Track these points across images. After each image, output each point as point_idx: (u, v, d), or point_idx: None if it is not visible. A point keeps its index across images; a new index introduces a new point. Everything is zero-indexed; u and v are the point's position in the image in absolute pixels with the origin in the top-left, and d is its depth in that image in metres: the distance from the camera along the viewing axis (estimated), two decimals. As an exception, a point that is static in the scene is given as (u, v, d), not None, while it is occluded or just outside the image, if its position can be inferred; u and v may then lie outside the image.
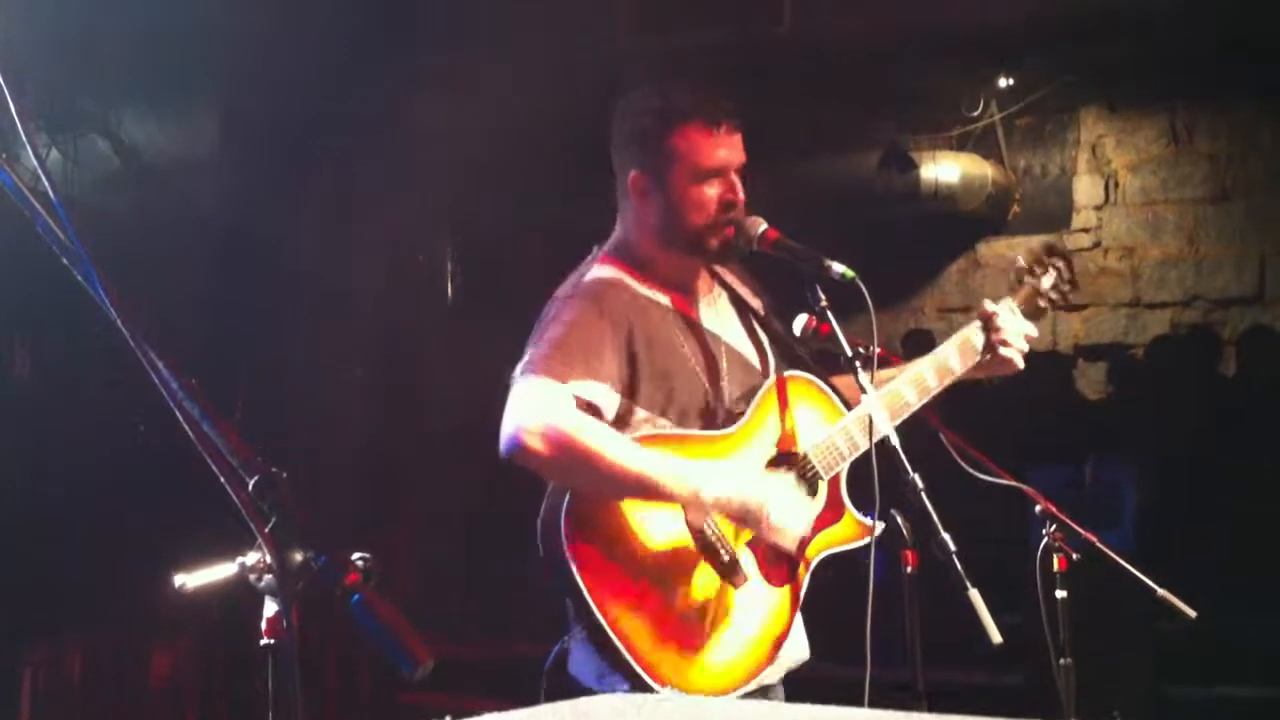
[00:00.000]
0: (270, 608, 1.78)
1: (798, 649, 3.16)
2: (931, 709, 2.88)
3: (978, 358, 3.27)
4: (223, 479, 1.77)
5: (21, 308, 6.44)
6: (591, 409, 2.89)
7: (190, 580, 1.83)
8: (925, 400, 3.18)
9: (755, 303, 3.32)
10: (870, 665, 2.83)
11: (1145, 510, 6.65)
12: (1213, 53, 8.32)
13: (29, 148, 1.96)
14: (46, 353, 7.00)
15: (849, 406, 3.12)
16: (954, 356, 3.25)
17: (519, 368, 2.93)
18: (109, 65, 6.73)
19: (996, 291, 9.87)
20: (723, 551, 2.93)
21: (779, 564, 3.01)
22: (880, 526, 3.03)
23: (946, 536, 2.69)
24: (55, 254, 1.90)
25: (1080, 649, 3.66)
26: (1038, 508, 3.64)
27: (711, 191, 3.03)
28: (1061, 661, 3.68)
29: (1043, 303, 3.48)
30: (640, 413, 2.97)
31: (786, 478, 3.02)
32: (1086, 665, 3.70)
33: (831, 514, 3.08)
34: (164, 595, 1.92)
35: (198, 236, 7.18)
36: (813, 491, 3.05)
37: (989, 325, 3.30)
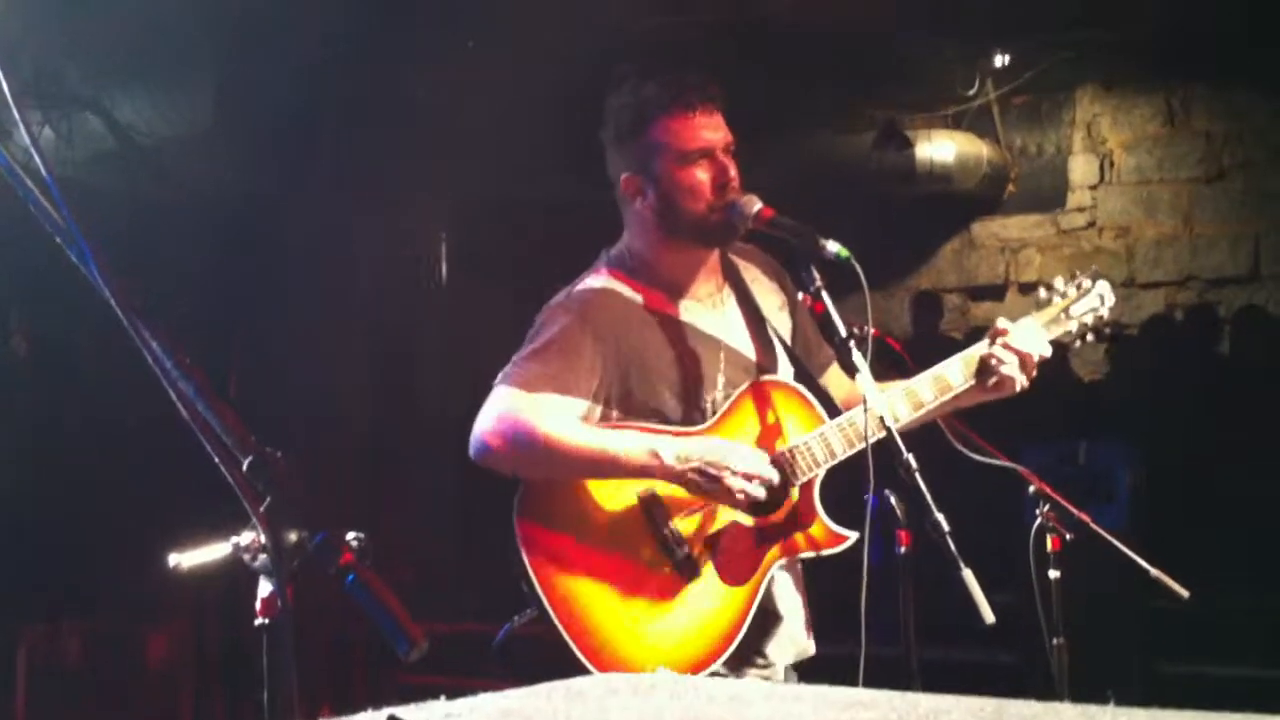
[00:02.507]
0: (265, 587, 1.77)
1: (802, 643, 3.14)
2: (925, 688, 2.89)
3: (973, 379, 3.10)
4: (217, 458, 1.76)
5: (17, 288, 6.44)
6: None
7: (185, 560, 1.83)
8: (919, 414, 3.09)
9: (778, 298, 3.27)
10: (865, 644, 2.82)
11: (1139, 490, 6.65)
12: (1210, 31, 8.31)
13: (21, 125, 1.95)
14: (43, 333, 6.99)
15: (833, 418, 3.09)
16: (956, 373, 3.11)
17: (499, 376, 3.00)
18: (103, 43, 6.70)
19: (992, 270, 10.00)
20: (675, 545, 2.93)
21: (739, 563, 2.98)
22: (854, 537, 3.02)
23: (940, 516, 2.69)
24: (49, 233, 1.89)
25: (1073, 628, 3.68)
26: (1031, 488, 3.66)
27: (702, 175, 3.01)
28: (1054, 640, 3.70)
29: (1072, 327, 3.24)
30: (623, 423, 2.98)
31: (749, 446, 2.98)
32: (1079, 644, 3.71)
33: (801, 520, 3.04)
34: (159, 576, 1.92)
35: (192, 215, 7.17)
36: (784, 495, 3.01)
37: (994, 340, 3.11)
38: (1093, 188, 9.67)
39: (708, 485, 2.88)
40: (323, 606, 6.33)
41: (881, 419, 2.81)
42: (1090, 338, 3.30)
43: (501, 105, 7.42)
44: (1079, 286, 3.30)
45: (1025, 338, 3.12)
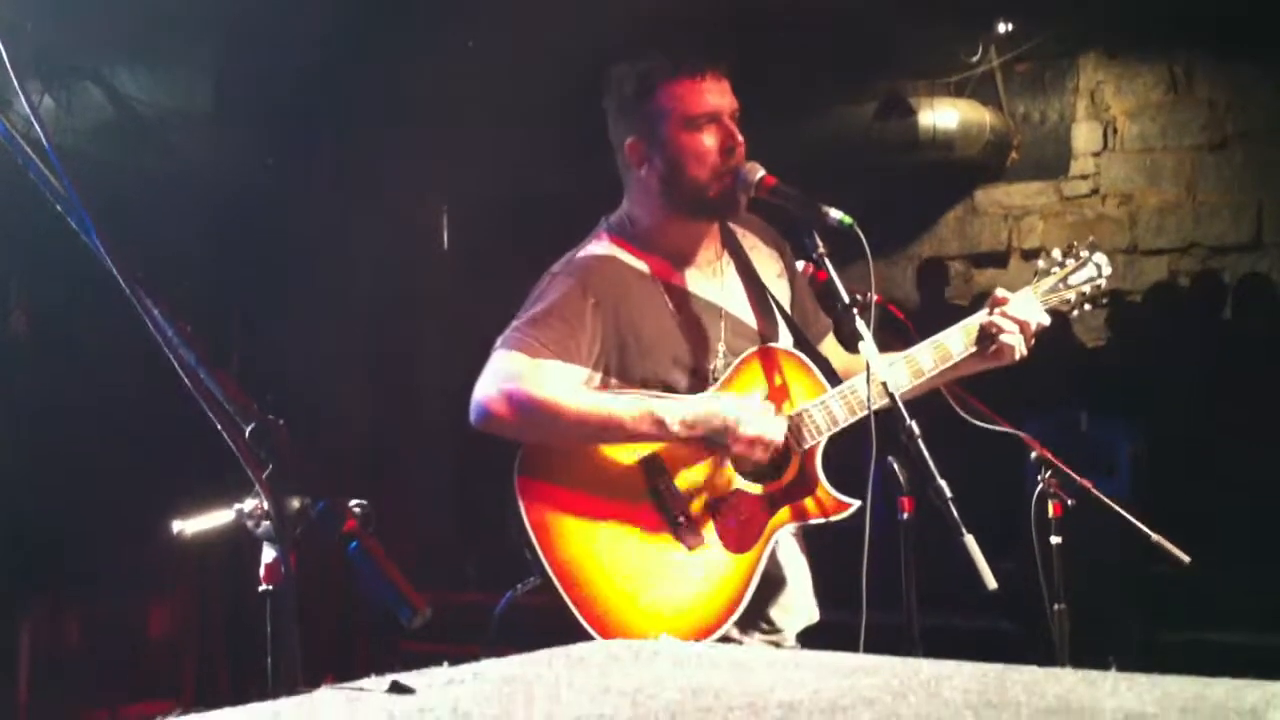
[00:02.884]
0: (268, 554, 1.78)
1: (808, 610, 3.15)
2: (927, 654, 2.90)
3: (974, 346, 3.10)
4: (220, 426, 1.77)
5: (17, 261, 6.43)
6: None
7: (188, 527, 1.84)
8: (919, 382, 3.07)
9: (776, 265, 3.27)
10: (866, 610, 2.83)
11: (1140, 458, 6.66)
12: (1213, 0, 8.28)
13: (21, 95, 1.95)
14: (42, 309, 6.98)
15: (832, 386, 3.09)
16: (956, 341, 3.11)
17: (498, 340, 2.98)
18: (104, 14, 6.67)
19: (994, 238, 9.98)
20: (677, 512, 2.93)
21: (742, 530, 2.98)
22: (856, 504, 3.02)
23: (942, 483, 2.69)
24: (50, 203, 1.89)
25: (1075, 594, 3.69)
26: (1033, 454, 3.66)
27: (709, 140, 2.99)
28: (1056, 607, 3.71)
29: (1070, 296, 3.25)
30: (622, 391, 2.98)
31: (752, 397, 2.98)
32: (1081, 610, 3.72)
33: (803, 488, 3.04)
34: (162, 546, 1.93)
35: (193, 187, 7.16)
36: (786, 461, 3.02)
37: (993, 310, 3.12)
38: (1096, 155, 9.65)
39: (713, 446, 2.91)
40: (326, 573, 6.35)
41: (885, 385, 2.81)
42: (1088, 307, 3.31)
43: (503, 99, 7.39)
44: (1077, 257, 3.31)
45: (1024, 307, 3.13)
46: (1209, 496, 6.49)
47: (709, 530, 2.95)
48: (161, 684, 7.18)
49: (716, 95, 3.02)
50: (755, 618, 3.03)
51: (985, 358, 3.12)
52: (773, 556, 3.02)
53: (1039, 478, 3.65)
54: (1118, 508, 3.58)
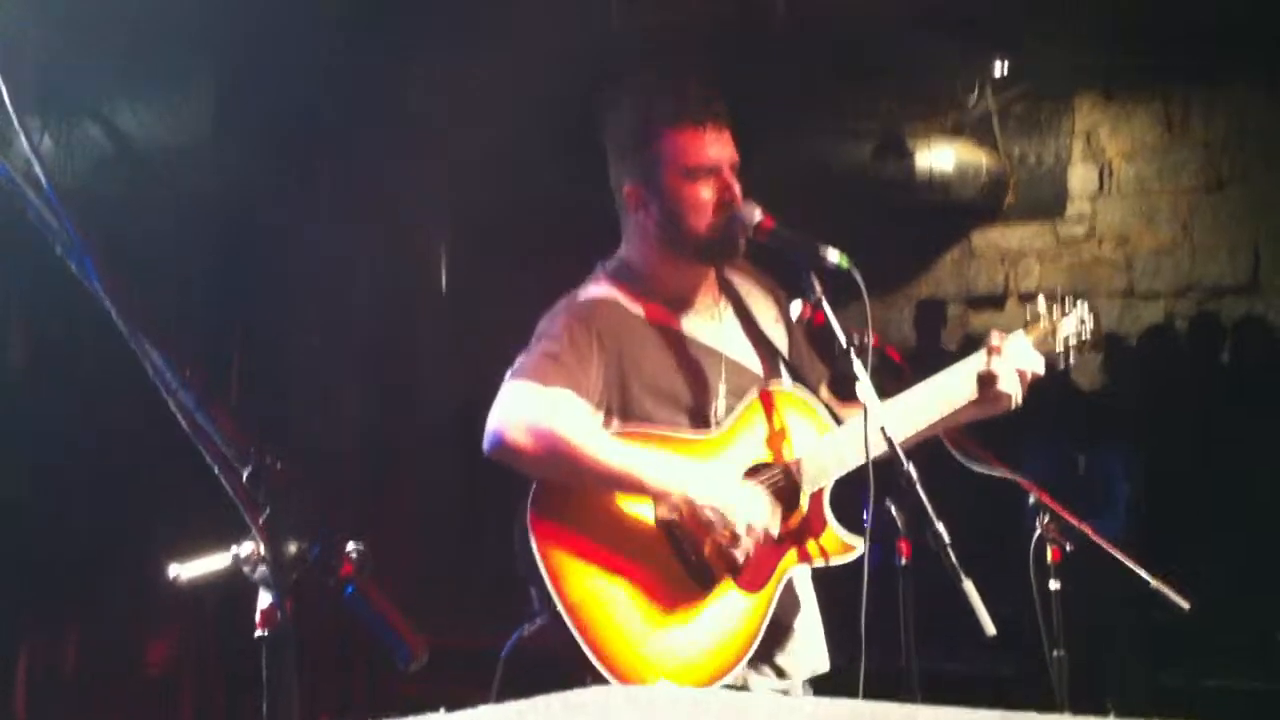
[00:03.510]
0: (265, 599, 1.77)
1: (817, 659, 3.12)
2: (925, 699, 2.88)
3: (973, 394, 3.11)
4: (217, 469, 1.76)
5: (17, 295, 6.43)
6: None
7: (185, 571, 1.83)
8: (919, 431, 3.07)
9: (772, 311, 3.27)
10: (865, 655, 2.82)
11: (1138, 501, 6.65)
12: (1209, 40, 8.31)
13: (21, 134, 1.95)
14: (42, 340, 6.98)
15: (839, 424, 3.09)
16: (957, 387, 3.11)
17: (508, 373, 2.96)
18: (103, 51, 6.70)
19: (991, 280, 9.99)
20: (691, 553, 2.90)
21: (754, 570, 2.95)
22: (862, 545, 3.00)
23: (941, 527, 2.68)
24: (49, 242, 1.89)
25: (1074, 639, 3.67)
26: (1032, 498, 3.65)
27: (706, 194, 2.99)
28: (1055, 652, 3.69)
29: (1058, 348, 3.28)
30: (630, 428, 2.96)
31: (759, 491, 2.97)
32: (1080, 656, 3.71)
33: (812, 528, 3.02)
34: (159, 585, 1.92)
35: (193, 224, 7.16)
36: (794, 503, 3.01)
37: (990, 356, 3.12)
38: (1092, 197, 9.68)
39: (711, 527, 2.88)
40: (323, 616, 6.32)
41: (883, 429, 2.81)
42: (1073, 359, 3.33)
43: (502, 108, 7.41)
44: (1064, 307, 3.35)
45: (1020, 354, 3.13)
46: (1207, 539, 6.48)
47: (722, 570, 2.93)
48: (159, 713, 7.14)
49: (717, 147, 3.01)
50: (762, 662, 2.99)
51: (981, 405, 3.12)
52: (782, 601, 2.99)
53: (1037, 522, 3.64)
54: (1117, 553, 3.57)
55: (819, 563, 3.04)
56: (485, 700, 1.77)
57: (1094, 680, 3.93)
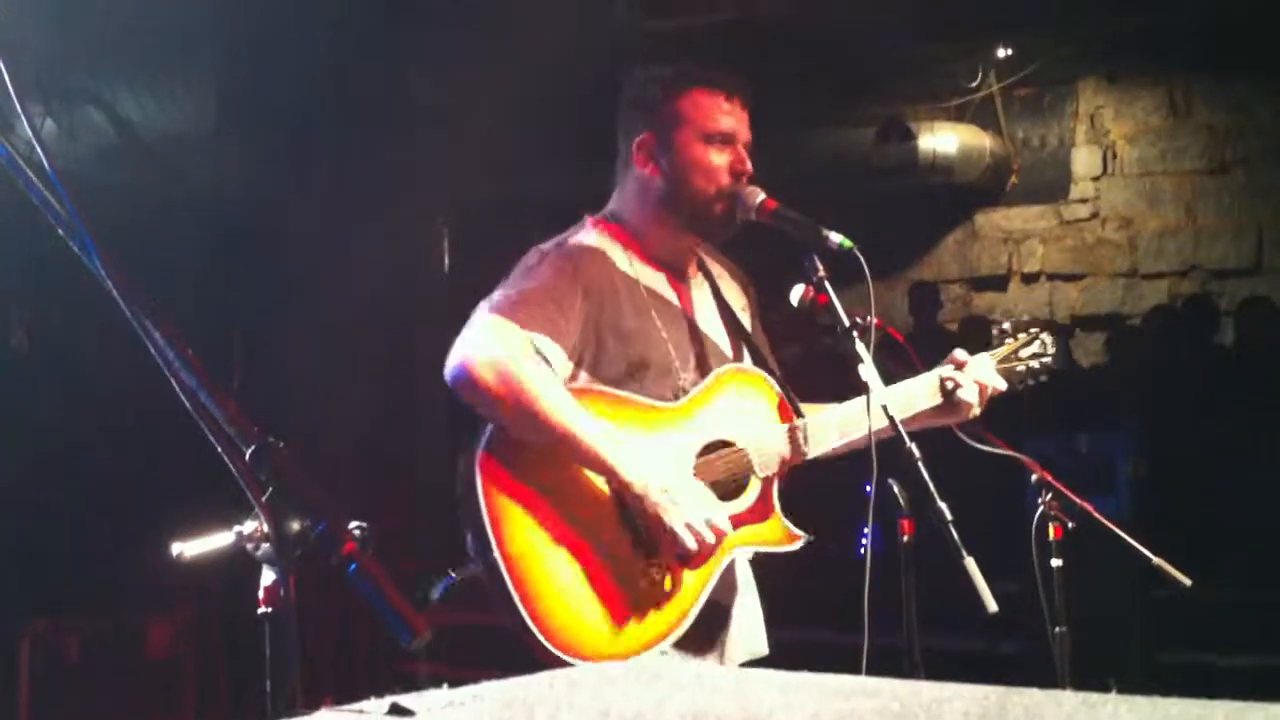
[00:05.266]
0: (268, 576, 1.78)
1: (755, 642, 3.11)
2: (927, 676, 2.89)
3: (938, 398, 3.18)
4: (220, 449, 1.77)
5: (18, 280, 6.44)
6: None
7: (188, 549, 1.84)
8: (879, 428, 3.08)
9: (741, 300, 3.28)
10: (868, 633, 2.82)
11: (1140, 480, 6.66)
12: (1213, 23, 8.30)
13: (23, 118, 1.95)
14: (43, 325, 6.99)
15: (799, 415, 3.08)
16: (921, 390, 3.17)
17: (482, 304, 2.92)
18: (105, 37, 6.70)
19: (994, 261, 9.97)
20: (640, 523, 2.86)
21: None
22: (805, 539, 3.01)
23: (943, 505, 2.69)
24: (51, 226, 1.89)
25: (1075, 617, 3.68)
26: (1034, 476, 3.66)
27: (720, 159, 3.02)
28: (1056, 629, 3.70)
29: (1019, 368, 3.39)
30: (595, 386, 2.94)
31: (703, 489, 2.93)
32: (1081, 633, 3.72)
33: (757, 513, 3.01)
34: (161, 566, 1.93)
35: (195, 210, 7.17)
36: (744, 486, 2.99)
37: (956, 368, 3.22)
38: (1095, 179, 9.67)
39: (648, 521, 2.84)
40: (325, 595, 6.33)
41: (885, 408, 2.82)
42: (1032, 383, 3.44)
43: (502, 105, 7.41)
44: (1028, 333, 3.45)
45: (983, 371, 3.23)
46: (1209, 518, 6.49)
47: (669, 547, 2.87)
48: (161, 702, 7.16)
49: (736, 120, 3.05)
50: (700, 641, 2.96)
51: (941, 411, 3.20)
52: (723, 581, 2.97)
53: (1039, 500, 3.65)
54: (1119, 530, 3.58)
55: (762, 549, 3.02)
56: (487, 678, 1.78)
57: (1095, 657, 3.94)
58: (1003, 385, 3.26)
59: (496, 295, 2.93)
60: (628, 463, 2.81)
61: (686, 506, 2.83)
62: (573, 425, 2.79)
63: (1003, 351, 3.38)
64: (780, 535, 3.03)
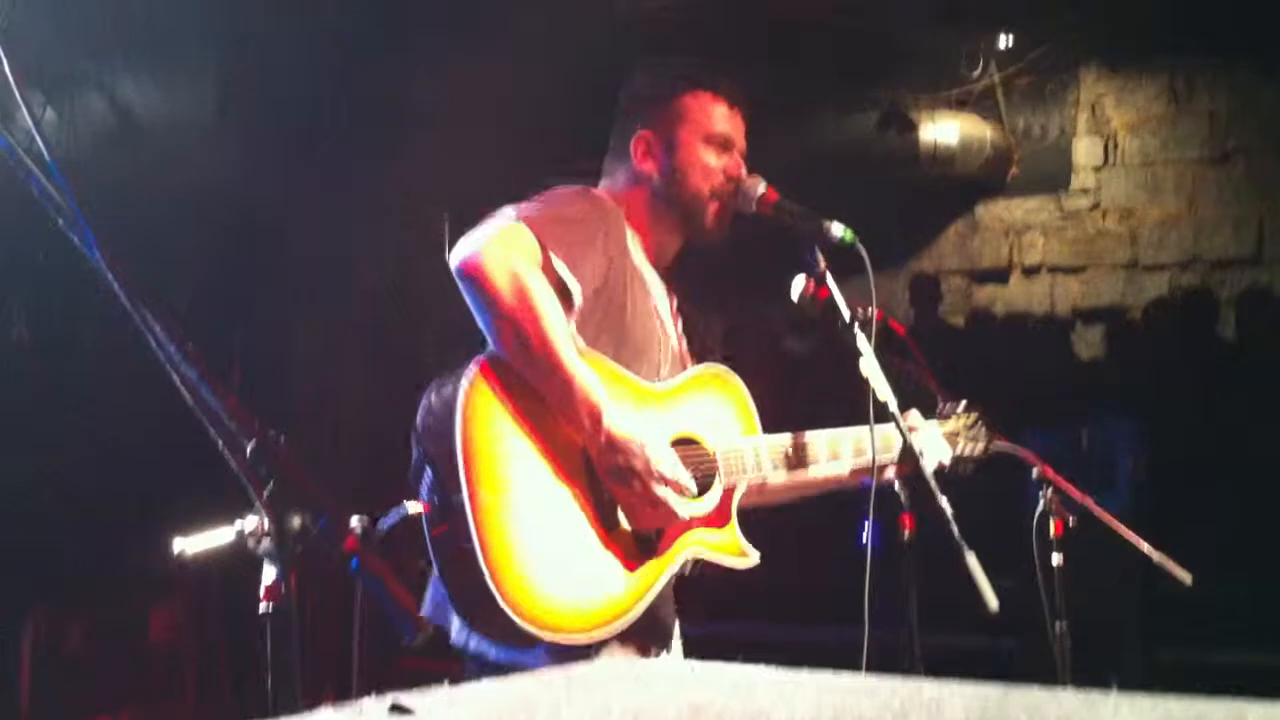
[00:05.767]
0: (269, 573, 1.78)
1: (669, 647, 3.04)
2: (928, 673, 2.89)
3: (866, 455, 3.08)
4: (221, 443, 1.76)
5: (18, 272, 6.43)
6: (560, 291, 2.78)
7: (189, 546, 1.83)
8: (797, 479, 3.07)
9: (669, 304, 3.23)
10: (868, 629, 2.82)
11: (1141, 476, 6.65)
12: (1214, 11, 8.27)
13: (23, 107, 1.94)
14: (44, 318, 6.98)
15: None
16: (846, 447, 3.13)
17: (508, 208, 2.84)
18: (106, 25, 6.68)
19: (995, 253, 9.95)
20: (607, 492, 2.77)
21: (656, 534, 2.84)
22: (755, 559, 2.97)
23: (944, 501, 2.69)
24: (51, 217, 1.89)
25: (1076, 613, 3.68)
26: (1035, 471, 3.66)
27: (716, 160, 3.05)
28: (1057, 626, 3.70)
29: (959, 440, 3.37)
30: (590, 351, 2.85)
31: (679, 461, 2.84)
32: (1082, 629, 3.72)
33: (714, 520, 2.96)
34: (163, 560, 1.92)
35: (196, 200, 7.16)
36: (704, 489, 2.93)
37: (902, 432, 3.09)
38: (1096, 169, 9.64)
39: (621, 476, 2.75)
40: (327, 591, 6.34)
41: (885, 404, 2.82)
42: (971, 466, 3.43)
43: (504, 101, 7.40)
44: (971, 414, 3.45)
45: (928, 441, 3.20)
46: (1209, 514, 6.48)
47: (626, 520, 2.81)
48: (163, 690, 7.17)
49: (735, 128, 3.10)
50: (642, 638, 2.87)
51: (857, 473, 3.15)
52: (665, 601, 2.91)
53: (1040, 496, 3.65)
54: (1120, 526, 3.58)
55: (713, 557, 2.95)
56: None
57: (1096, 653, 3.94)
58: (948, 458, 3.26)
59: (528, 205, 2.85)
60: (614, 413, 2.73)
61: (664, 461, 2.76)
62: (569, 362, 2.69)
63: (950, 425, 3.38)
64: (734, 548, 2.99)
